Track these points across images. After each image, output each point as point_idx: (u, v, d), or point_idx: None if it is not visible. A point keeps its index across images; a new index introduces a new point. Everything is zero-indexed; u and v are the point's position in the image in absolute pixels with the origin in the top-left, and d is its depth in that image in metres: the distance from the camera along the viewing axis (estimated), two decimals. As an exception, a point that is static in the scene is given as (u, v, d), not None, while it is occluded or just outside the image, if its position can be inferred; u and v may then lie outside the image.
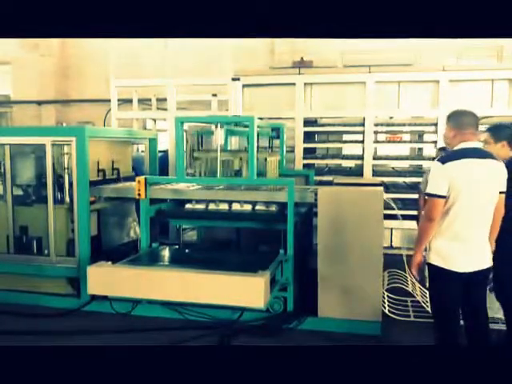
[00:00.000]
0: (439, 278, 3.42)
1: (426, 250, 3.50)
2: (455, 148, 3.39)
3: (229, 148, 6.14)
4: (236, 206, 5.21)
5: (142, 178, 5.06)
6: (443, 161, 3.31)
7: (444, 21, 2.88)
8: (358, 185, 4.99)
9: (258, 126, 5.25)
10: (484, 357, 2.81)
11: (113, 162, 6.01)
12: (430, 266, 3.44)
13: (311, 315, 4.74)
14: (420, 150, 9.03)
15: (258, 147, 5.11)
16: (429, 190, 3.34)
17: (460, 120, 3.39)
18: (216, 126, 4.89)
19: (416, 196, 6.51)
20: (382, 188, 4.66)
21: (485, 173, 3.28)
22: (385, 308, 4.98)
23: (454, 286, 3.36)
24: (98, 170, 5.71)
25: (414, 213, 6.41)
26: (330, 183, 6.12)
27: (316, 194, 4.79)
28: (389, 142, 8.40)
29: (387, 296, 5.31)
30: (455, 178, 3.23)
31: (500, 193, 3.37)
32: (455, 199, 3.26)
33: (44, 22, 2.87)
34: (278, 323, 4.73)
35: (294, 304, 4.86)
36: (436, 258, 3.38)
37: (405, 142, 8.82)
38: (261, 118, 6.46)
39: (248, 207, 5.18)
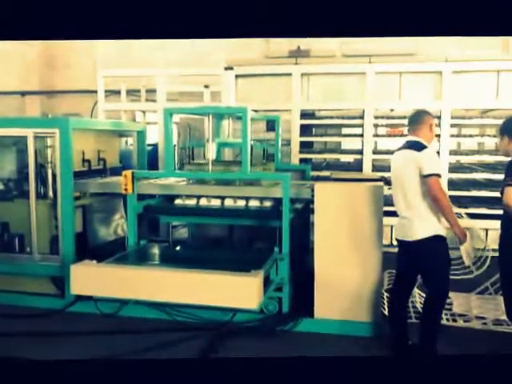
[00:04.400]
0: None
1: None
2: None
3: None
4: (229, 202, 5.15)
5: (128, 172, 5.00)
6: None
7: (444, 18, 2.87)
8: (357, 180, 4.94)
9: (252, 118, 5.18)
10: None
11: (99, 152, 5.93)
12: None
13: (307, 316, 4.69)
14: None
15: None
16: None
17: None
18: (208, 118, 4.83)
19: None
20: (381, 183, 4.62)
21: (398, 161, 4.11)
22: (384, 309, 4.94)
23: (399, 252, 4.23)
24: (83, 160, 5.63)
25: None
26: (327, 178, 6.06)
27: (313, 190, 4.75)
28: (389, 136, 8.34)
29: (387, 297, 5.26)
30: (391, 167, 4.22)
31: (422, 177, 3.88)
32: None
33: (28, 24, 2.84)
34: (273, 325, 4.68)
35: (290, 305, 4.82)
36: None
37: (406, 135, 8.75)
38: (256, 111, 6.40)
39: (241, 203, 5.12)
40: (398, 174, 4.10)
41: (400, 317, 4.25)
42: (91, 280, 4.17)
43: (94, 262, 4.29)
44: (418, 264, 4.06)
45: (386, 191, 4.69)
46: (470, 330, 4.76)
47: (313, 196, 4.74)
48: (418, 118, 4.13)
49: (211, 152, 4.94)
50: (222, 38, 3.24)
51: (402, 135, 8.74)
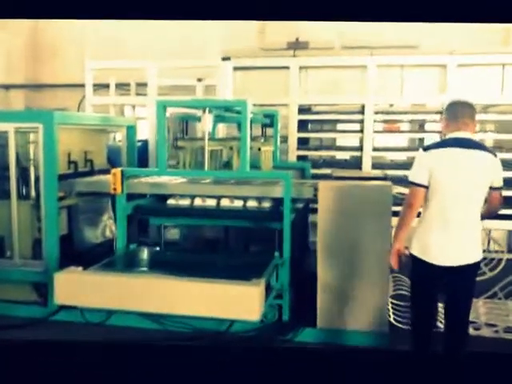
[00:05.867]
0: (417, 268, 3.50)
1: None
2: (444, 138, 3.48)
3: (216, 137, 5.77)
4: (225, 202, 4.89)
5: (117, 171, 4.72)
6: (426, 148, 3.43)
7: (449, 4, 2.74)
8: (361, 178, 4.70)
9: (251, 113, 4.90)
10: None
11: (85, 152, 5.68)
12: (410, 254, 3.52)
13: (309, 325, 4.43)
14: (421, 140, 8.73)
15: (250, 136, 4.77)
16: (410, 177, 3.44)
17: (454, 110, 3.45)
18: (204, 112, 4.53)
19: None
20: (390, 183, 4.34)
21: (468, 163, 3.29)
22: (389, 316, 4.69)
23: (430, 278, 3.44)
24: (69, 162, 5.36)
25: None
26: (327, 177, 5.79)
27: (315, 189, 4.47)
28: (390, 131, 8.08)
29: (391, 303, 5.01)
30: (435, 167, 3.31)
31: (493, 189, 3.38)
32: (436, 188, 3.32)
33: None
34: (272, 334, 4.43)
35: (290, 312, 4.55)
36: (416, 248, 3.45)
37: (408, 131, 8.51)
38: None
39: (239, 203, 4.86)
40: (460, 179, 3.30)
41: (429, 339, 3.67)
42: (77, 289, 3.85)
43: (80, 268, 3.98)
44: (460, 287, 3.44)
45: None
46: (479, 337, 4.51)
47: (315, 195, 4.49)
48: (471, 112, 3.43)
49: (207, 125, 4.58)
50: (217, 20, 3.09)
51: (403, 131, 8.55)
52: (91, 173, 5.69)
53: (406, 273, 5.29)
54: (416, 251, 3.45)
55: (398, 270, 3.68)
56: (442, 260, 3.34)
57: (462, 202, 3.30)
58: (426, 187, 3.34)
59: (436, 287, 3.52)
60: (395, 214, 4.28)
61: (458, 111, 3.41)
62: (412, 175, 3.42)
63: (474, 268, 3.40)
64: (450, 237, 3.33)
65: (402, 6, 2.77)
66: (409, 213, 3.41)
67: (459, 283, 3.42)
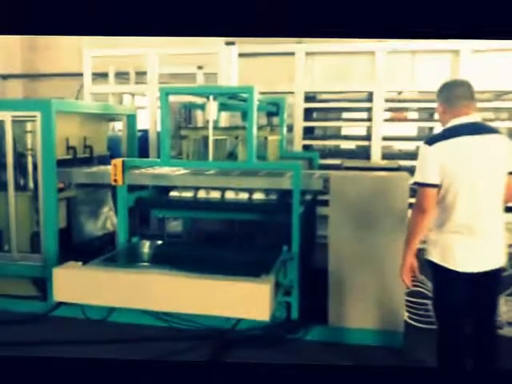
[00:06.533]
0: (440, 278, 3.11)
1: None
2: (446, 125, 3.08)
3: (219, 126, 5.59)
4: (230, 195, 4.75)
5: (118, 161, 4.56)
6: (431, 142, 2.98)
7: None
8: (373, 169, 4.52)
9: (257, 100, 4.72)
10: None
11: (85, 138, 5.53)
12: (429, 262, 3.14)
13: (320, 324, 4.27)
14: (431, 129, 8.56)
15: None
16: (417, 177, 3.03)
17: (450, 92, 3.08)
18: (208, 99, 4.36)
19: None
20: (406, 173, 4.15)
21: (483, 151, 2.93)
22: (403, 314, 4.52)
23: (458, 287, 3.04)
24: (68, 148, 5.21)
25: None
26: (336, 167, 5.63)
27: (325, 180, 4.29)
28: (398, 120, 7.88)
29: (406, 300, 4.84)
30: (447, 161, 2.92)
31: (509, 173, 3.01)
32: (450, 185, 2.95)
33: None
34: (281, 333, 4.28)
35: (299, 310, 4.39)
36: (435, 254, 3.08)
37: (418, 120, 8.32)
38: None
39: (244, 195, 4.71)
40: (478, 171, 2.93)
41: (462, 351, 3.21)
42: (77, 285, 3.71)
43: (80, 264, 3.82)
44: (492, 293, 3.15)
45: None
46: (500, 337, 4.33)
47: (325, 187, 4.32)
48: (470, 92, 3.05)
49: (212, 113, 4.38)
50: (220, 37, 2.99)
51: (413, 120, 8.35)
52: (90, 159, 5.57)
53: (422, 271, 5.15)
54: (435, 258, 3.08)
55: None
56: (468, 266, 2.97)
57: (484, 197, 2.94)
58: (439, 186, 2.96)
59: (461, 295, 3.08)
60: (410, 205, 4.13)
61: (455, 93, 3.05)
62: (420, 175, 3.00)
63: (501, 269, 3.09)
64: (476, 238, 2.97)
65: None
66: (422, 219, 3.00)
67: (488, 289, 3.11)
